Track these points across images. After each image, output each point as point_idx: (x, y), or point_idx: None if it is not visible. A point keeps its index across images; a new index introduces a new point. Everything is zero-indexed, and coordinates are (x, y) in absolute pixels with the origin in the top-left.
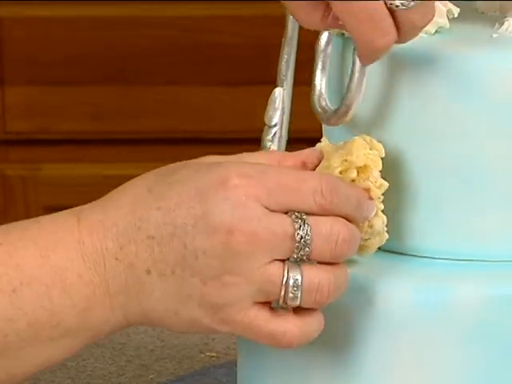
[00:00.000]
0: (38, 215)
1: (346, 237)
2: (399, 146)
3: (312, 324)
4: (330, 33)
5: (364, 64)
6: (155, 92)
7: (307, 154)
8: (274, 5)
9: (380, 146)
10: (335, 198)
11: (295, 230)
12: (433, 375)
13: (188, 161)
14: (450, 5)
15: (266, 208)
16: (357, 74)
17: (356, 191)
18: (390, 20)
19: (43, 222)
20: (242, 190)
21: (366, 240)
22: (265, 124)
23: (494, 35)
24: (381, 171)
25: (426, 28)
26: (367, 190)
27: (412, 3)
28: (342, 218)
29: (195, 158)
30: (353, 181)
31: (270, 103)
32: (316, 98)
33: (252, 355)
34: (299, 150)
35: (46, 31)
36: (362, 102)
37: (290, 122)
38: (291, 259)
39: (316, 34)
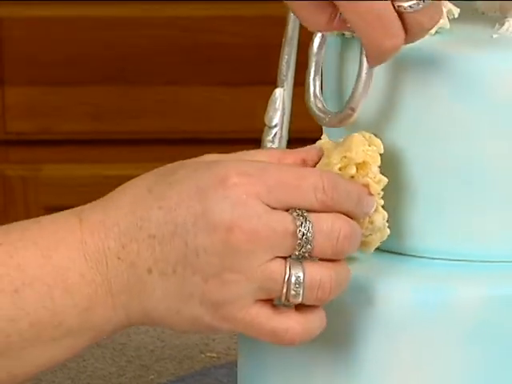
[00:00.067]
0: (38, 216)
1: (347, 233)
2: (400, 146)
3: (314, 321)
4: (323, 35)
5: (372, 66)
6: (155, 92)
7: (307, 151)
8: (275, 5)
9: (379, 141)
10: (336, 195)
11: (297, 227)
12: (432, 375)
13: (187, 160)
14: (450, 5)
15: (267, 205)
16: (364, 76)
17: (356, 187)
18: (398, 22)
19: (44, 223)
20: (242, 188)
21: (368, 236)
22: (265, 124)
23: (495, 36)
24: (380, 167)
25: None
26: (366, 186)
27: (421, 5)
28: (343, 214)
29: (195, 158)
30: (352, 177)
31: (271, 104)
32: (312, 100)
33: (252, 356)
34: None
35: (46, 31)
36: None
37: (291, 123)
38: (293, 256)
39: None
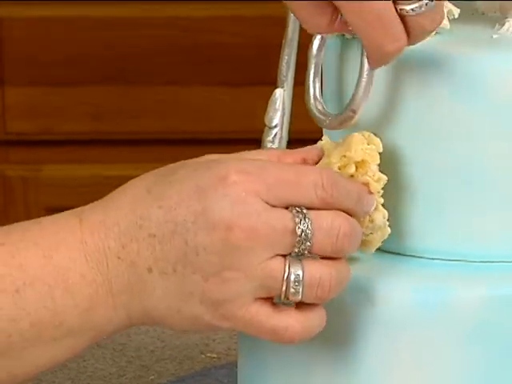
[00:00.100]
0: (38, 216)
1: (347, 231)
2: (401, 146)
3: (314, 319)
4: (323, 37)
5: (373, 67)
6: (155, 92)
7: (307, 151)
8: (275, 5)
9: (378, 140)
10: (336, 192)
11: (296, 224)
12: (432, 375)
13: (187, 160)
14: (450, 5)
15: (267, 203)
16: (365, 78)
17: (356, 185)
18: (400, 26)
19: (44, 223)
20: (241, 186)
21: (368, 235)
22: (265, 125)
23: (495, 36)
24: (379, 165)
25: None
26: (366, 185)
27: (423, 9)
28: (343, 212)
29: (196, 158)
30: (351, 176)
31: (271, 104)
32: (312, 102)
33: (253, 356)
34: None
35: (46, 31)
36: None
37: (291, 123)
38: (293, 254)
39: None
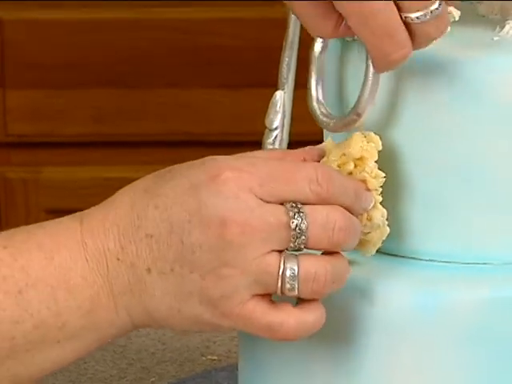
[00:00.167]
0: (39, 218)
1: (342, 225)
2: (401, 146)
3: (309, 315)
4: (324, 40)
5: (378, 72)
6: (156, 95)
7: (307, 151)
8: (275, 7)
9: (377, 138)
10: (331, 187)
11: (290, 218)
12: (432, 378)
13: (186, 162)
14: (450, 8)
15: (261, 199)
16: (370, 81)
17: (353, 182)
18: (405, 33)
19: (47, 227)
20: (234, 182)
21: (367, 234)
22: (266, 127)
23: (495, 38)
24: (376, 162)
25: None
26: (364, 182)
27: (428, 17)
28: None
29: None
30: (350, 173)
31: (271, 106)
32: (315, 105)
33: (253, 358)
34: None
35: (48, 34)
36: None
37: (291, 126)
38: (289, 249)
39: None
